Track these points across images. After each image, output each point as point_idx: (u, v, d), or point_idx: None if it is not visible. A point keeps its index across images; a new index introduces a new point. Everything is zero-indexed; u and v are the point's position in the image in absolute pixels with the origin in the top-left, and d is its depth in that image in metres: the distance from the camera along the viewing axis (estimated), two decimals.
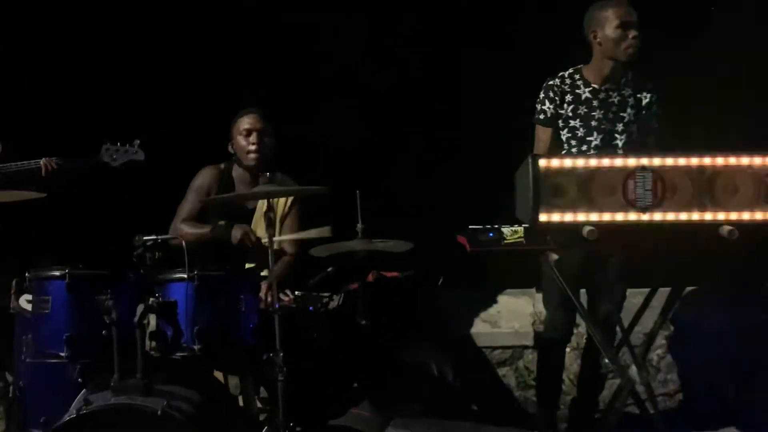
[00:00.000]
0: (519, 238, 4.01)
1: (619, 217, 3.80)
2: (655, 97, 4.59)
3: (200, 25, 5.75)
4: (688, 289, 4.40)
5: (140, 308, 3.83)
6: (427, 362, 4.88)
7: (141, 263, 4.01)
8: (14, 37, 5.52)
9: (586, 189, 3.80)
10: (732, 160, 3.79)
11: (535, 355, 5.26)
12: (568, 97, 4.58)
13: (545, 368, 4.83)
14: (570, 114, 4.59)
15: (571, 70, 4.64)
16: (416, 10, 5.85)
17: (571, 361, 5.18)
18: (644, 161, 3.80)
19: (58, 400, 3.93)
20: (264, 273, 4.55)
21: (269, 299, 4.34)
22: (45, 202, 4.28)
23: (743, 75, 5.54)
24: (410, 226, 4.92)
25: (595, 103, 4.58)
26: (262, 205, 4.69)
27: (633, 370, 4.26)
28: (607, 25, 4.46)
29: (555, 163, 3.84)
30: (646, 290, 4.63)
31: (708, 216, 3.81)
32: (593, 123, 4.58)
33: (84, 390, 3.91)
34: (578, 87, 4.61)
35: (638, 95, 4.60)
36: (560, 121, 4.62)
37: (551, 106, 4.60)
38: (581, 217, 3.81)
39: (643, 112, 4.60)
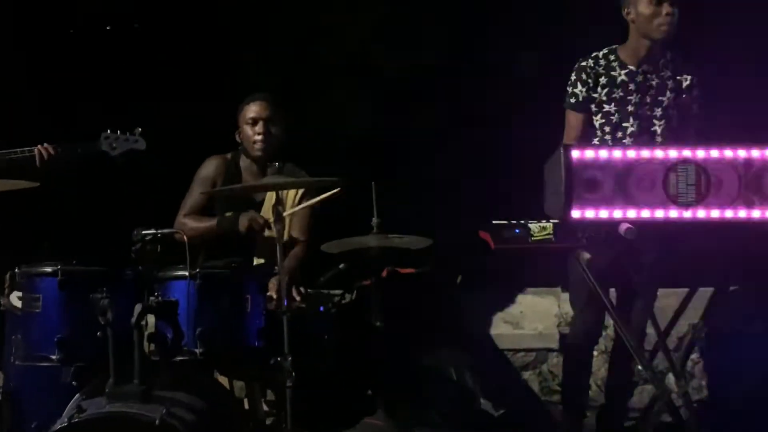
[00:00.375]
0: (548, 235, 3.94)
1: (659, 214, 3.73)
2: (697, 80, 4.51)
3: (203, 3, 5.76)
4: (730, 289, 4.38)
5: (138, 308, 3.75)
6: (445, 366, 4.85)
7: (140, 259, 3.99)
8: (6, 16, 5.51)
9: (623, 183, 3.72)
10: None
11: (561, 358, 5.21)
12: (603, 80, 4.50)
13: (571, 373, 4.76)
14: (604, 98, 4.51)
15: (605, 51, 4.55)
16: None
17: (599, 365, 5.13)
18: (687, 153, 3.74)
19: (51, 404, 3.89)
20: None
21: (278, 297, 4.28)
22: (39, 193, 4.26)
23: None
24: (427, 220, 4.91)
25: (631, 86, 4.50)
26: (270, 196, 4.67)
27: (670, 379, 4.14)
28: (641, 1, 4.39)
29: (589, 154, 3.76)
30: (679, 290, 4.60)
31: (756, 213, 3.73)
32: (629, 108, 4.49)
33: (78, 395, 3.86)
34: (613, 69, 4.52)
35: (678, 77, 4.51)
36: (593, 106, 4.53)
37: (583, 89, 4.51)
38: (617, 213, 3.74)
39: (684, 96, 4.52)
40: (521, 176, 4.57)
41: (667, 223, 3.74)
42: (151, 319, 3.87)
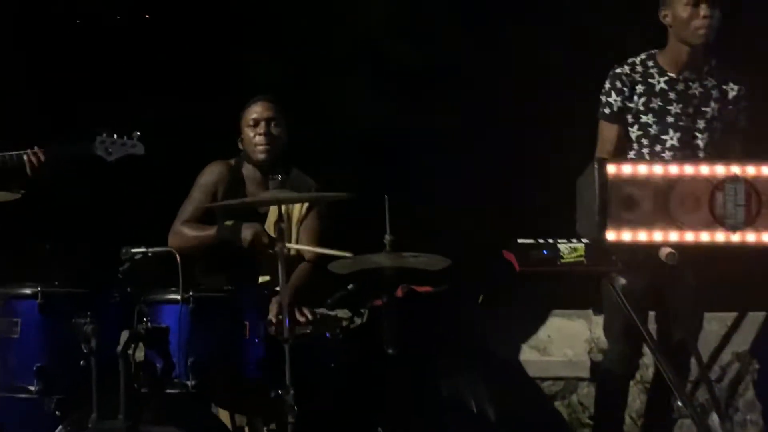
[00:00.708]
0: (579, 257, 3.81)
1: (705, 237, 3.62)
2: (744, 90, 4.44)
3: None
4: None
5: (125, 335, 3.69)
6: (465, 397, 4.75)
7: (127, 280, 3.94)
8: (6, 12, 5.56)
9: (663, 202, 3.62)
10: None
11: (592, 388, 5.12)
12: (640, 88, 4.43)
13: (604, 405, 4.68)
14: (641, 108, 4.44)
15: (643, 56, 4.47)
16: None
17: (634, 396, 5.05)
18: (735, 170, 3.61)
19: None
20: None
21: (279, 322, 4.17)
22: (37, 194, 4.30)
23: None
24: (445, 234, 4.99)
25: (671, 95, 4.42)
26: (275, 209, 4.49)
27: (714, 419, 4.07)
28: (677, 3, 4.32)
29: (626, 169, 3.64)
30: (723, 315, 4.62)
31: None
32: (669, 119, 4.41)
33: (60, 427, 3.80)
34: (652, 76, 4.44)
35: (723, 86, 4.44)
36: (629, 116, 4.45)
37: (619, 99, 4.43)
38: (658, 236, 3.62)
39: (730, 107, 4.44)
40: (551, 189, 4.56)
41: (712, 247, 3.65)
42: (139, 347, 3.79)
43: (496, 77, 5.77)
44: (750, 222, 3.59)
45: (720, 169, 3.61)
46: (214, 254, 4.55)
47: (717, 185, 3.60)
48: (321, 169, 4.76)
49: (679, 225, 3.61)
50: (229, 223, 4.55)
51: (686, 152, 4.36)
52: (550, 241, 3.82)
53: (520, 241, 3.84)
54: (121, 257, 3.92)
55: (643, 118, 4.41)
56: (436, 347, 4.83)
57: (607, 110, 4.44)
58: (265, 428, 4.35)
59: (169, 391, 3.84)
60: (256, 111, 4.70)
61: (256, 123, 4.69)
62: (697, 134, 4.40)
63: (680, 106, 4.40)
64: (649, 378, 4.86)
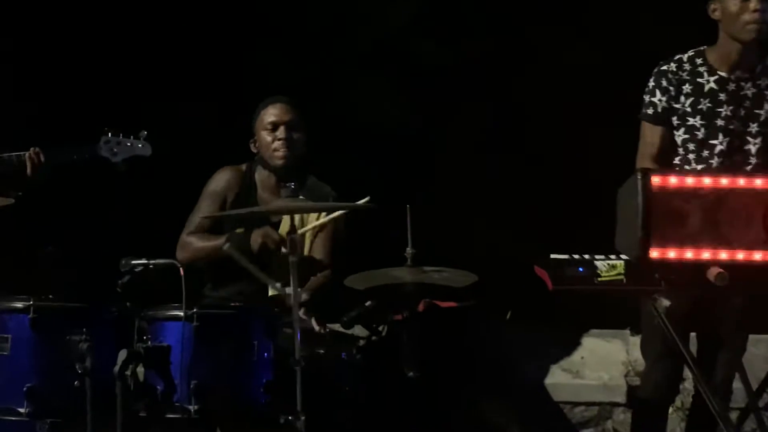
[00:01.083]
0: (618, 275, 3.73)
1: (758, 256, 3.53)
2: None
3: None
4: None
5: (123, 354, 3.67)
6: (491, 423, 4.80)
7: (127, 295, 3.91)
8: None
9: (712, 216, 3.54)
10: None
11: (629, 415, 5.02)
12: (687, 88, 4.33)
13: None
14: (688, 109, 4.34)
15: (691, 53, 4.38)
16: None
17: (674, 424, 5.01)
18: None
19: None
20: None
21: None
22: (13, 207, 4.27)
23: None
24: (471, 247, 5.09)
25: (722, 96, 4.32)
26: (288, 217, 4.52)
27: None
28: None
29: (673, 180, 3.55)
30: None
31: None
32: (719, 122, 4.31)
33: None
34: (700, 74, 4.34)
35: None
36: (675, 118, 4.35)
37: (664, 98, 4.34)
38: (706, 254, 3.54)
39: None
40: (586, 199, 4.63)
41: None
42: (138, 367, 3.75)
43: (523, 78, 5.78)
44: None
45: None
46: (224, 266, 4.48)
47: None
48: (338, 175, 4.75)
49: (729, 243, 3.53)
50: (239, 231, 4.53)
51: (736, 158, 4.28)
52: (586, 257, 3.75)
53: (553, 256, 3.76)
54: (121, 269, 3.89)
55: (690, 121, 4.32)
56: (459, 369, 4.82)
57: (650, 111, 4.35)
58: None
59: (169, 416, 3.80)
60: (274, 114, 4.67)
61: (275, 126, 4.64)
62: (749, 139, 4.31)
63: (731, 108, 4.30)
64: (689, 404, 4.69)
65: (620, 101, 4.74)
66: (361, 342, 4.42)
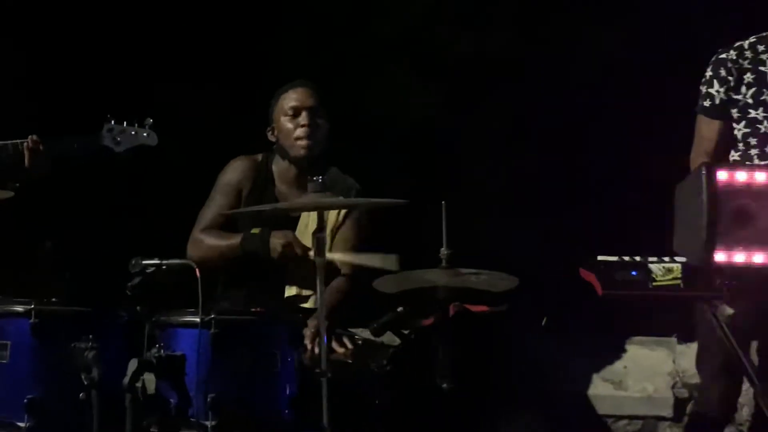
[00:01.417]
0: (674, 279, 3.62)
1: None
2: None
3: None
4: None
5: (133, 363, 3.59)
6: None
7: (137, 298, 3.82)
8: None
9: None
10: None
11: (676, 429, 5.06)
12: (749, 77, 4.26)
13: None
14: (750, 100, 4.27)
15: (752, 39, 4.31)
16: None
17: None
18: None
19: None
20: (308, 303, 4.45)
21: (315, 349, 4.11)
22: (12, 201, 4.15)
23: None
24: (505, 247, 4.93)
25: None
26: (309, 214, 4.51)
27: None
28: None
29: (741, 177, 3.47)
30: None
31: None
32: None
33: None
34: (763, 62, 4.28)
35: None
36: (735, 111, 4.28)
37: (722, 89, 4.27)
38: None
39: None
40: (632, 194, 4.67)
41: None
42: (149, 378, 3.67)
43: (556, 70, 5.69)
44: None
45: None
46: (237, 266, 4.48)
47: None
48: (361, 168, 4.70)
49: None
50: (255, 231, 4.45)
51: None
52: (638, 259, 3.63)
53: (600, 258, 3.64)
54: (130, 270, 3.80)
55: (753, 113, 4.25)
56: (493, 380, 4.70)
57: (707, 103, 4.29)
58: None
59: (184, 431, 3.72)
60: (295, 98, 4.59)
61: (297, 112, 4.56)
62: None
63: None
64: (743, 419, 4.78)
65: (662, 94, 4.77)
66: (392, 350, 4.35)
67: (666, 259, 3.62)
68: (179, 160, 5.16)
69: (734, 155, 4.27)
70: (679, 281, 3.58)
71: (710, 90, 4.27)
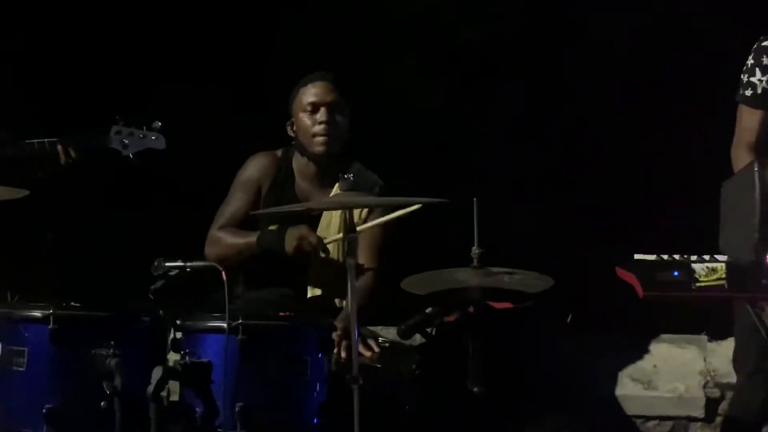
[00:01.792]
0: (718, 280, 3.50)
1: None
2: None
3: None
4: None
5: (158, 371, 3.54)
6: None
7: (160, 302, 3.77)
8: None
9: None
10: None
11: (706, 431, 5.03)
12: None
13: None
14: None
15: None
16: None
17: None
18: None
19: None
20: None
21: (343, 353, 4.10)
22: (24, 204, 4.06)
23: None
24: (526, 242, 4.93)
25: None
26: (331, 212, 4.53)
27: None
28: None
29: None
30: None
31: None
32: None
33: None
34: None
35: None
36: None
37: (765, 78, 4.18)
38: None
39: None
40: (663, 188, 4.69)
41: None
42: (174, 387, 3.65)
43: (570, 60, 5.67)
44: None
45: None
46: (257, 266, 4.45)
47: None
48: (379, 163, 4.67)
49: None
50: (273, 228, 4.41)
51: None
52: (677, 257, 3.52)
53: (638, 257, 3.53)
54: (153, 273, 3.75)
55: None
56: (519, 380, 4.74)
57: (748, 92, 4.18)
58: None
59: None
60: (314, 93, 4.55)
61: (315, 108, 4.52)
62: None
63: None
64: None
65: (689, 84, 4.75)
66: (417, 357, 4.31)
67: (706, 257, 3.51)
68: (193, 158, 5.13)
69: None
70: (723, 282, 3.45)
71: (752, 79, 4.18)
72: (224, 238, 4.46)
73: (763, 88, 4.17)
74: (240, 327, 3.66)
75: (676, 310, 4.85)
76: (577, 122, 5.59)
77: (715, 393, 4.97)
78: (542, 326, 5.03)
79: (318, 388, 3.76)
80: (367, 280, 4.46)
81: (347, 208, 3.75)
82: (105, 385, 3.50)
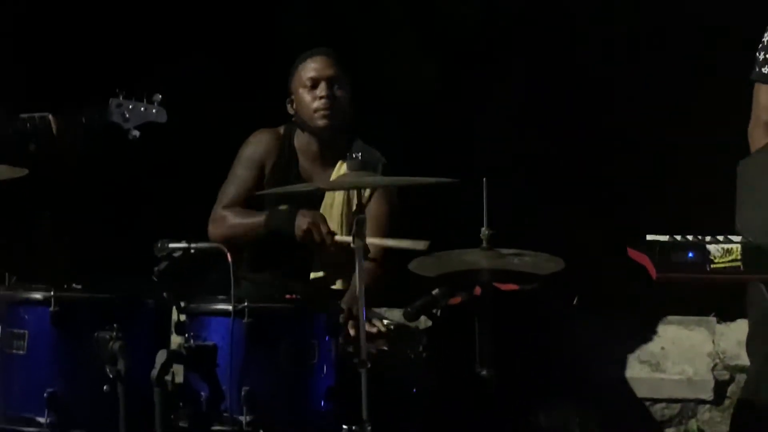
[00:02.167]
0: (734, 261, 3.46)
1: None
2: None
3: None
4: None
5: (162, 355, 3.48)
6: (567, 425, 4.67)
7: (164, 284, 3.73)
8: None
9: None
10: None
11: (715, 413, 4.98)
12: None
13: None
14: None
15: None
16: None
17: None
18: None
19: None
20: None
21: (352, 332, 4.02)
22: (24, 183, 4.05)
23: None
24: (529, 222, 4.97)
25: None
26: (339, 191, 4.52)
27: None
28: None
29: None
30: None
31: None
32: None
33: None
34: None
35: None
36: None
37: None
38: None
39: None
40: (674, 167, 4.69)
41: None
42: (179, 371, 3.60)
43: (576, 37, 5.67)
44: None
45: None
46: (261, 246, 4.42)
47: None
48: (383, 143, 4.65)
49: None
50: (283, 207, 4.37)
51: None
52: (690, 238, 3.48)
53: (651, 237, 3.49)
54: (156, 254, 3.72)
55: None
56: (531, 363, 4.69)
57: (765, 69, 4.12)
58: None
59: (216, 428, 3.64)
60: (314, 68, 4.51)
61: (315, 83, 4.48)
62: None
63: None
64: None
65: (699, 61, 4.76)
66: (424, 339, 4.26)
67: (721, 238, 3.46)
68: (181, 135, 5.08)
69: None
70: (739, 263, 3.42)
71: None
72: (230, 218, 4.43)
73: None
74: (246, 310, 3.62)
75: (685, 292, 4.80)
76: (588, 101, 5.56)
77: (724, 375, 4.95)
78: (550, 308, 4.98)
79: (326, 371, 3.73)
80: (374, 265, 4.42)
81: (356, 188, 3.72)
82: (108, 369, 3.47)
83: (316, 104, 4.44)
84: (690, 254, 3.44)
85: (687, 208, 4.55)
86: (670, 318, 5.21)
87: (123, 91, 4.53)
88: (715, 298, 4.69)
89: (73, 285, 3.69)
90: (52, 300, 3.61)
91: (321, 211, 4.44)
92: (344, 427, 3.62)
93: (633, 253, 3.52)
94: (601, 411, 4.80)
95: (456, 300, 4.23)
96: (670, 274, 3.45)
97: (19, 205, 4.75)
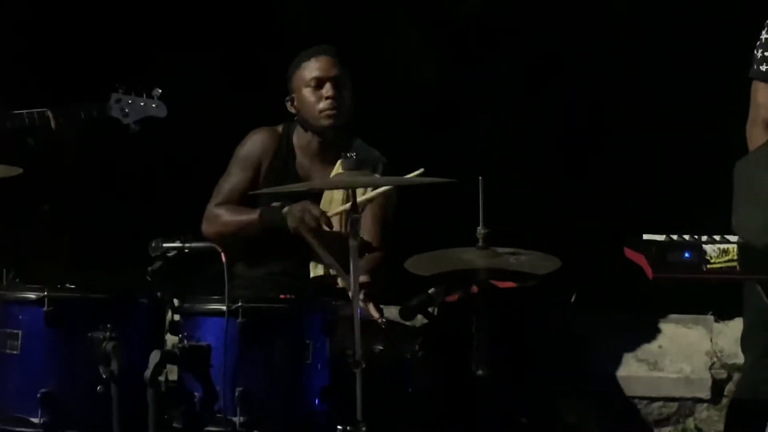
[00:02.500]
0: (730, 261, 3.46)
1: None
2: None
3: None
4: None
5: (155, 355, 3.47)
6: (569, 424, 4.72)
7: (158, 283, 3.74)
8: None
9: None
10: None
11: (713, 411, 4.99)
12: None
13: None
14: None
15: None
16: None
17: None
18: None
19: None
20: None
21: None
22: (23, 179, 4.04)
23: None
24: (531, 219, 5.00)
25: None
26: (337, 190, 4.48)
27: None
28: None
29: None
30: None
31: None
32: None
33: None
34: None
35: None
36: None
37: None
38: None
39: None
40: (672, 166, 4.68)
41: None
42: (172, 371, 3.60)
43: (575, 32, 5.66)
44: None
45: None
46: (258, 243, 4.40)
47: None
48: (380, 141, 4.64)
49: None
50: (276, 204, 4.35)
51: None
52: (687, 238, 3.47)
53: (647, 237, 3.48)
54: (150, 254, 3.73)
55: None
56: (526, 361, 4.72)
57: (763, 67, 4.12)
58: None
59: (210, 429, 3.63)
60: (318, 68, 4.49)
61: (320, 83, 4.47)
62: None
63: None
64: None
65: (698, 57, 4.71)
66: (420, 338, 4.21)
67: (717, 238, 3.45)
68: (180, 132, 5.10)
69: None
70: (735, 263, 3.40)
71: (766, 53, 4.12)
72: (223, 215, 4.42)
73: None
74: (240, 310, 3.62)
75: (682, 290, 4.83)
76: (584, 98, 5.55)
77: (722, 374, 4.96)
78: (548, 306, 5.00)
79: (320, 371, 3.72)
80: (374, 255, 4.42)
81: (350, 188, 3.69)
82: (101, 369, 3.46)
83: (322, 105, 4.44)
84: (686, 254, 3.44)
85: (684, 207, 4.54)
86: (668, 316, 5.22)
87: (123, 86, 4.53)
88: (713, 296, 4.68)
89: (67, 285, 3.71)
90: (46, 300, 3.61)
91: (320, 204, 4.40)
92: (339, 427, 3.57)
93: (630, 253, 3.52)
94: (599, 409, 4.82)
95: (453, 297, 4.21)
96: (666, 274, 3.45)
97: (18, 201, 4.74)
